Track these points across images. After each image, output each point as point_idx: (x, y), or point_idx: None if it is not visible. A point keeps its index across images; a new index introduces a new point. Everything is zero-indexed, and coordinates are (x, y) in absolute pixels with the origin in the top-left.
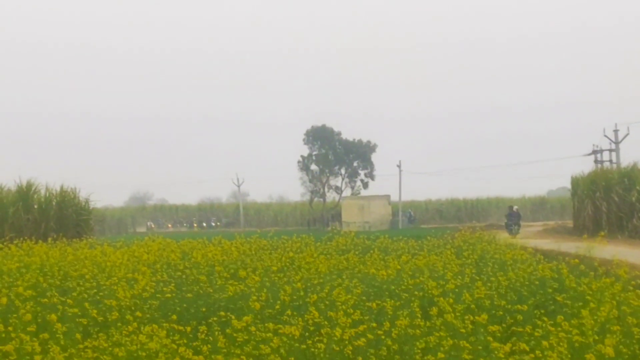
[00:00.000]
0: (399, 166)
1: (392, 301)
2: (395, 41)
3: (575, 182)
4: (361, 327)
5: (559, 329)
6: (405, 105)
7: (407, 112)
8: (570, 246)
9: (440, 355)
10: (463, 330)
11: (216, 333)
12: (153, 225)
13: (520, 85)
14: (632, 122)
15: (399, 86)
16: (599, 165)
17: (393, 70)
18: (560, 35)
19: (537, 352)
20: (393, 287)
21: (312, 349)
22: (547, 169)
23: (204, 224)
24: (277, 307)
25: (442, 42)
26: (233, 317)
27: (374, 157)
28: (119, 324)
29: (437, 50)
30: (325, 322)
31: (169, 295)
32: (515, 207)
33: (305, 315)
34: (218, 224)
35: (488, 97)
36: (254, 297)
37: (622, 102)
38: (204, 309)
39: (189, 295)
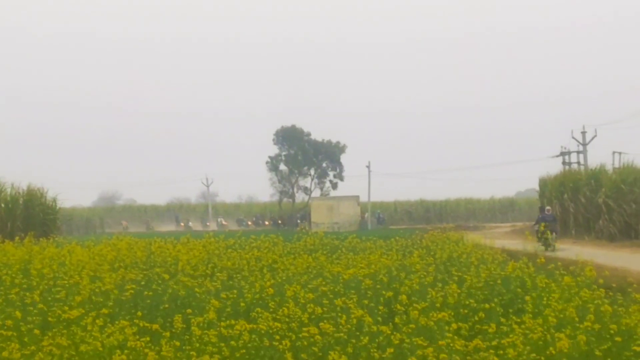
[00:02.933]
0: (368, 167)
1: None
2: (365, 41)
3: (543, 183)
4: (326, 326)
5: (523, 326)
6: (375, 106)
7: (376, 113)
8: (537, 247)
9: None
10: (434, 327)
11: (180, 330)
12: (212, 223)
13: (489, 85)
14: (600, 124)
15: (369, 87)
16: (567, 167)
17: (363, 70)
18: (528, 35)
19: (500, 350)
20: (361, 285)
21: (279, 346)
22: (515, 171)
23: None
24: (243, 304)
25: (408, 44)
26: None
27: (343, 158)
28: (83, 322)
29: (405, 51)
30: (287, 319)
31: (130, 292)
32: (547, 208)
33: (273, 314)
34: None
35: (456, 98)
36: (223, 295)
37: (589, 104)
38: (166, 306)
39: (150, 293)
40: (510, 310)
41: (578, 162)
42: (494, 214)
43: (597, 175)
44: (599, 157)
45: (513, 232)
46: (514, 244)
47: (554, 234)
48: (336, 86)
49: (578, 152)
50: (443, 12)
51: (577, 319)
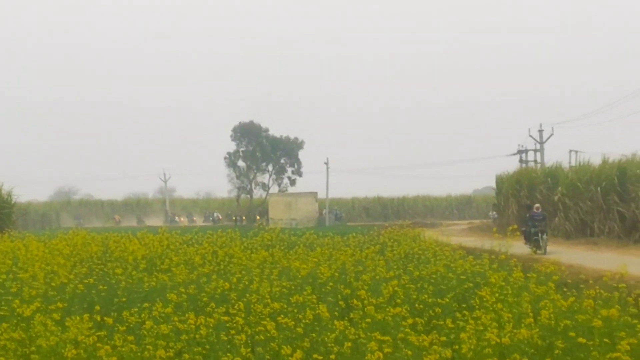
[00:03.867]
0: (326, 163)
1: (313, 294)
2: (323, 37)
3: (500, 181)
4: (285, 320)
5: (479, 322)
6: (333, 102)
7: (335, 109)
8: (494, 244)
9: (348, 343)
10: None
11: (135, 324)
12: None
13: (447, 84)
14: (557, 122)
15: (326, 83)
16: (524, 165)
17: (321, 66)
18: (486, 34)
19: (455, 345)
20: (318, 280)
21: (235, 340)
22: (473, 168)
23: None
24: (205, 298)
25: (367, 40)
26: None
27: (302, 154)
28: (37, 316)
29: (362, 49)
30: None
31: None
32: (537, 206)
33: (230, 308)
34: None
35: (414, 96)
36: (182, 290)
37: (547, 104)
38: (123, 299)
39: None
40: (464, 305)
41: (535, 160)
42: (451, 211)
43: (553, 173)
44: (556, 155)
45: (470, 229)
46: (471, 240)
47: (544, 235)
48: (294, 82)
49: (535, 151)
50: (403, 10)
51: (531, 314)
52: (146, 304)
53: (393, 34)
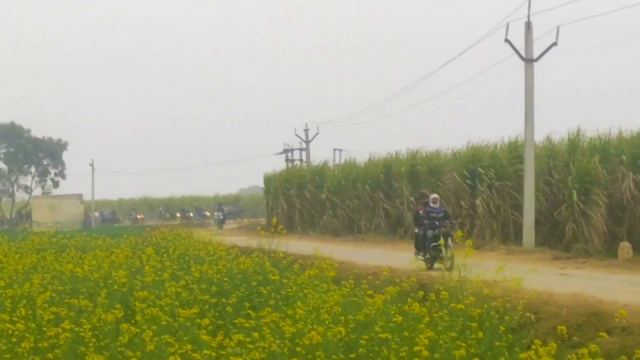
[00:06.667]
0: (91, 165)
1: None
2: (86, 40)
3: (268, 180)
4: (64, 325)
5: (272, 319)
6: (98, 103)
7: (100, 110)
8: (265, 242)
9: (150, 346)
10: (174, 325)
11: None
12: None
13: (216, 84)
14: (322, 122)
15: (90, 85)
16: (290, 164)
17: (86, 68)
18: (257, 45)
19: (250, 345)
20: (90, 284)
21: (18, 349)
22: (241, 168)
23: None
24: None
25: (130, 48)
26: None
27: (66, 156)
28: None
29: (125, 55)
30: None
31: None
32: (434, 197)
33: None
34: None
35: (179, 97)
36: None
37: (312, 103)
38: None
39: None
40: (247, 305)
41: (300, 159)
42: None
43: (320, 172)
44: (322, 154)
45: (240, 228)
46: (242, 240)
47: (449, 240)
48: (57, 83)
49: (301, 150)
50: (182, 27)
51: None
52: None
53: (160, 44)
